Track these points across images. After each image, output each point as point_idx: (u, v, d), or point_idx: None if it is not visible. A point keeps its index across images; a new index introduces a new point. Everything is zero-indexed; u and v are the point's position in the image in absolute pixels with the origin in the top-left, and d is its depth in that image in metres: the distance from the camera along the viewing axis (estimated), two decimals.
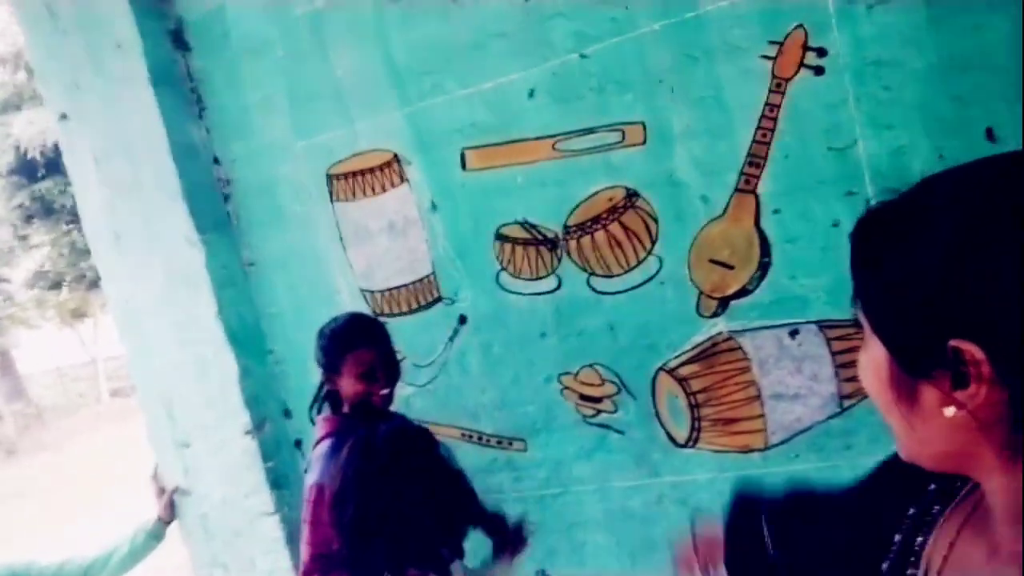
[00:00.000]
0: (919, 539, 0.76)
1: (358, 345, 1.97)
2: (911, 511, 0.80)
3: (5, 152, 15.84)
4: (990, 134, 1.76)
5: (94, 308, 19.33)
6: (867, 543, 0.85)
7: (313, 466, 1.90)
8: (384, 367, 1.99)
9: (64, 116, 2.59)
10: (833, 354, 2.04)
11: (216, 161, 2.61)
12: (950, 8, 1.73)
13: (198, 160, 2.56)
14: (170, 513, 2.69)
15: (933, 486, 0.79)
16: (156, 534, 2.61)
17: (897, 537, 0.80)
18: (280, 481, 2.64)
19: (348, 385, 1.97)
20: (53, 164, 14.61)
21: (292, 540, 2.58)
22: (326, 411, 2.07)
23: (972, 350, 0.59)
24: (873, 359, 0.69)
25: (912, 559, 0.76)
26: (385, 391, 1.99)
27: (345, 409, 2.02)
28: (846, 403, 2.05)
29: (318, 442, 1.96)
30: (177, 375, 2.62)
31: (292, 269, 2.62)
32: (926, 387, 0.64)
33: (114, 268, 2.64)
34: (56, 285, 19.24)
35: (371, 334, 2.03)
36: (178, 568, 2.88)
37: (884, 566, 0.80)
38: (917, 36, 1.77)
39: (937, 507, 0.76)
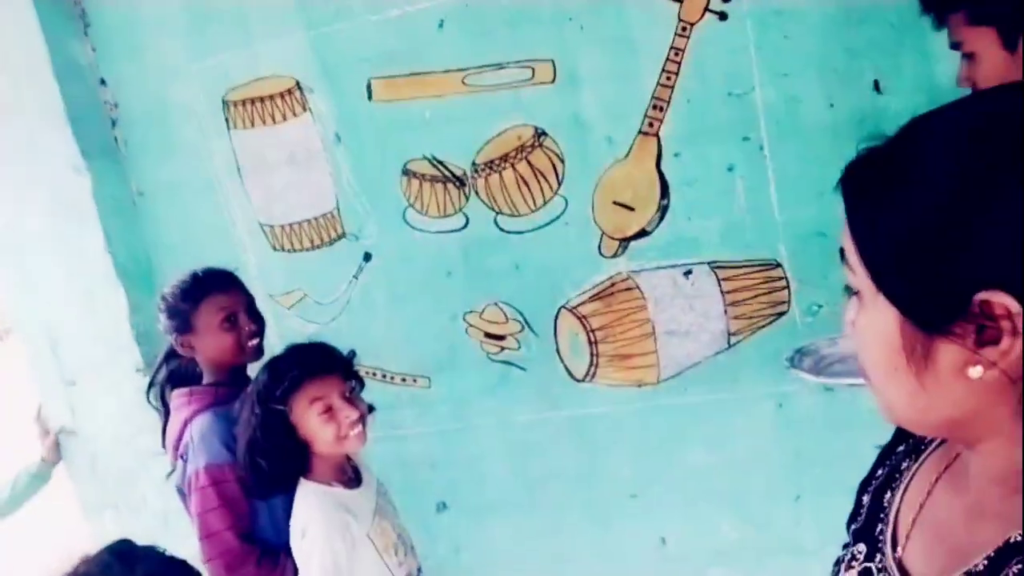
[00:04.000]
0: (887, 496, 0.74)
1: (212, 290, 1.78)
2: (879, 473, 0.78)
3: None
4: (876, 86, 1.86)
5: None
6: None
7: (197, 448, 1.69)
8: (247, 312, 1.81)
9: None
10: (723, 293, 2.14)
11: (103, 83, 2.44)
12: None
13: (83, 81, 2.39)
14: (55, 454, 2.58)
15: (902, 447, 0.76)
16: (41, 476, 2.51)
17: (864, 498, 0.77)
18: None
19: (210, 342, 1.77)
20: None
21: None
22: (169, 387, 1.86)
23: (1006, 302, 0.52)
24: (875, 322, 0.61)
25: (881, 515, 0.73)
26: (255, 340, 1.81)
27: (207, 379, 1.81)
28: (733, 339, 2.17)
29: (188, 420, 1.74)
30: (63, 310, 2.48)
31: (185, 200, 2.50)
32: (945, 345, 0.56)
33: None
34: None
35: (224, 279, 1.84)
36: (64, 510, 2.79)
37: (853, 527, 0.78)
38: None
39: (905, 464, 0.74)
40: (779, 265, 2.08)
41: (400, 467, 2.53)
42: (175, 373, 1.88)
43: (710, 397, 2.21)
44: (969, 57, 1.37)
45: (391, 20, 2.14)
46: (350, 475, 1.70)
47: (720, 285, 2.14)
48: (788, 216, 2.03)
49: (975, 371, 0.55)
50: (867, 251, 0.60)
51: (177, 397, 1.81)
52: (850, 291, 0.64)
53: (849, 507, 2.21)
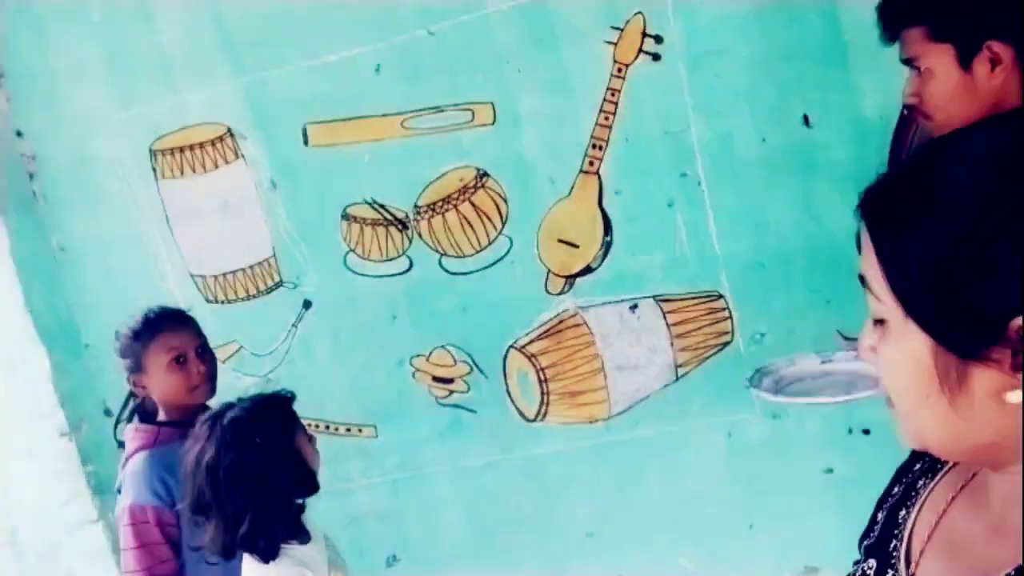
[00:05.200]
0: (902, 513, 0.73)
1: (161, 331, 1.76)
2: (895, 490, 0.77)
3: None
4: (806, 120, 1.94)
5: None
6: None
7: (127, 485, 1.71)
8: (197, 352, 1.78)
9: None
10: (669, 326, 2.17)
11: (19, 134, 2.34)
12: (774, 0, 1.88)
13: None
14: None
15: (918, 465, 0.76)
16: None
17: (879, 515, 0.77)
18: (103, 486, 2.42)
19: (159, 381, 1.75)
20: None
21: (118, 548, 2.38)
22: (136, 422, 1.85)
23: None
24: (905, 349, 0.59)
25: (896, 532, 0.72)
26: (203, 381, 1.78)
27: (161, 417, 1.80)
28: (680, 371, 2.19)
29: (129, 457, 1.75)
30: None
31: (110, 254, 2.40)
32: (980, 371, 0.55)
33: None
34: None
35: (175, 319, 1.82)
36: None
37: (865, 543, 0.77)
38: (745, 26, 1.91)
39: (922, 482, 0.74)
40: (721, 296, 2.12)
41: (348, 522, 2.44)
42: (139, 409, 1.84)
43: (660, 430, 2.23)
44: (922, 73, 1.37)
45: (327, 65, 2.12)
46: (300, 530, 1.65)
47: (665, 318, 2.16)
48: (727, 248, 2.08)
49: (1014, 396, 0.54)
50: (896, 278, 0.58)
51: (126, 432, 1.81)
52: (873, 317, 0.63)
53: (801, 532, 2.23)
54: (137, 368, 1.77)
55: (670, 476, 2.26)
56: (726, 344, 2.15)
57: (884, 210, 0.60)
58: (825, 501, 2.10)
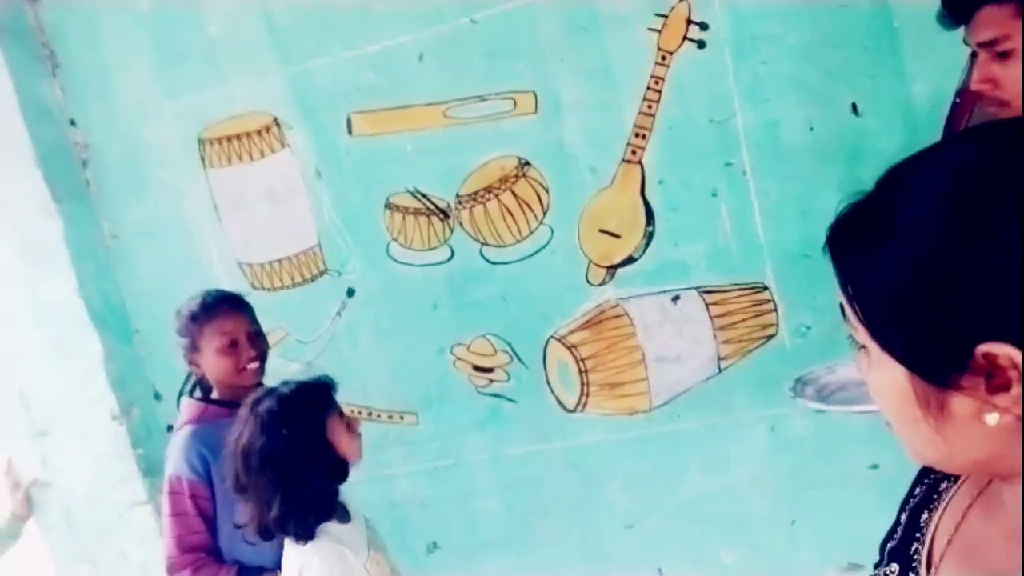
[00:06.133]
0: (924, 516, 0.72)
1: (216, 315, 1.83)
2: (917, 491, 0.77)
3: None
4: (854, 108, 1.89)
5: None
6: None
7: (170, 455, 1.81)
8: (248, 337, 1.84)
9: None
10: (712, 318, 2.14)
11: (73, 123, 2.40)
12: None
13: (52, 122, 2.35)
14: (26, 509, 2.48)
15: None
16: (11, 533, 2.41)
17: (902, 516, 0.77)
18: (153, 468, 2.48)
19: (211, 363, 1.82)
20: None
21: None
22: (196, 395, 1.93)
23: (1008, 353, 0.52)
24: (887, 377, 0.60)
25: (917, 535, 0.72)
26: (253, 364, 1.84)
27: (214, 395, 1.88)
28: (723, 364, 2.16)
29: (178, 429, 1.84)
30: (33, 358, 2.40)
31: (160, 241, 2.46)
32: (958, 397, 0.56)
33: None
34: None
35: (230, 304, 1.88)
36: (36, 567, 2.67)
37: (888, 546, 0.76)
38: (792, 12, 1.87)
39: (944, 484, 0.73)
40: (766, 288, 2.08)
41: (389, 507, 2.47)
42: (200, 383, 1.92)
43: (702, 423, 2.20)
44: (1002, 57, 1.26)
45: (370, 55, 2.13)
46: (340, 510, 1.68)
47: (708, 310, 2.14)
48: (773, 239, 2.04)
49: (991, 418, 0.55)
50: (864, 310, 0.59)
51: (183, 404, 1.91)
52: (856, 343, 0.63)
53: (845, 528, 2.17)
54: (193, 348, 1.84)
55: (711, 469, 2.24)
56: (770, 337, 2.11)
57: (847, 241, 0.60)
58: (870, 497, 2.05)
